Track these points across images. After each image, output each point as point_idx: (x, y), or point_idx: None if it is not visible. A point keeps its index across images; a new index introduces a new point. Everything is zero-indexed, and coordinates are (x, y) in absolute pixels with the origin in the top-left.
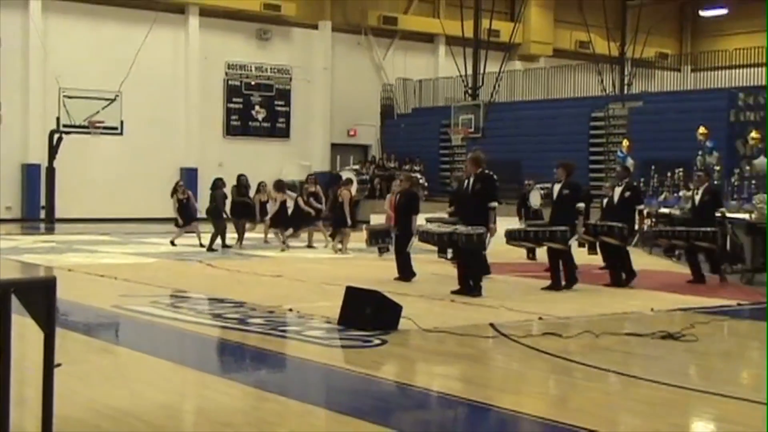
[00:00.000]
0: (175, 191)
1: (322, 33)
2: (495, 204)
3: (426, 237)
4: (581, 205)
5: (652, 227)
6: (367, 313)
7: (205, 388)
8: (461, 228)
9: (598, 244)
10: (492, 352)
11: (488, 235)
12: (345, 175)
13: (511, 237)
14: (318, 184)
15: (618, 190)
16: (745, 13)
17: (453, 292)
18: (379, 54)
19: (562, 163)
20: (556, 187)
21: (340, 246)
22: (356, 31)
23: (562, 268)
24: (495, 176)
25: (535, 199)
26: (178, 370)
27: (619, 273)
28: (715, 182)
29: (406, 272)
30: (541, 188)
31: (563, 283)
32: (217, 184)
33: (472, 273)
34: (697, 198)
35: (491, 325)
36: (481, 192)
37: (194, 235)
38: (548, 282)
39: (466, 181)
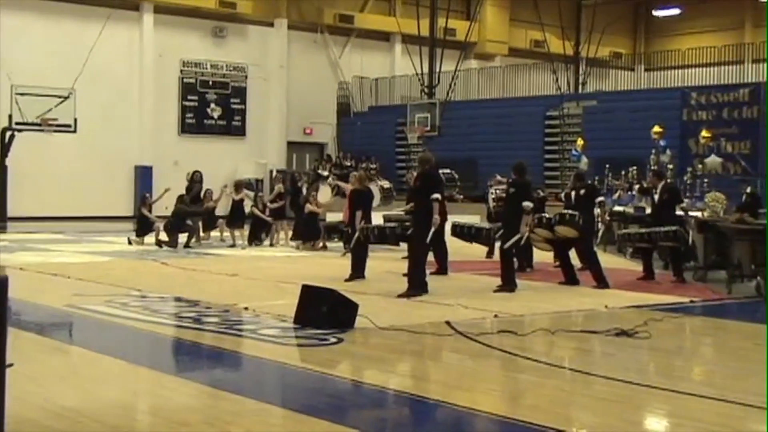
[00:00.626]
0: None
1: (278, 31)
2: (437, 196)
3: (373, 234)
4: (527, 204)
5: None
6: (323, 312)
7: (160, 387)
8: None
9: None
10: (448, 349)
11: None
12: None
13: (454, 232)
14: (284, 182)
15: (574, 193)
16: (698, 13)
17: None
18: (335, 52)
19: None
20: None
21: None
22: (312, 29)
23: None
24: (438, 173)
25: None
26: (132, 369)
27: (572, 271)
28: (668, 180)
29: (357, 269)
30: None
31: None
32: (195, 178)
33: (413, 264)
34: (656, 197)
35: (447, 323)
36: (421, 188)
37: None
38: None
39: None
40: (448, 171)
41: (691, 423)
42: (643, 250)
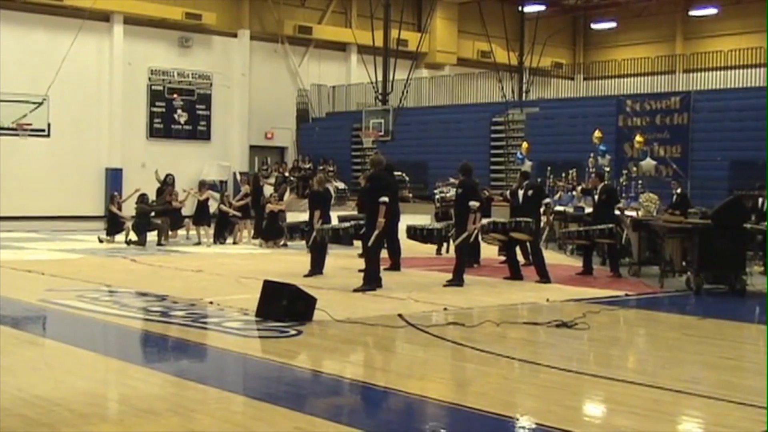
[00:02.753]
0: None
1: (241, 41)
2: (385, 199)
3: (328, 234)
4: (473, 203)
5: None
6: (283, 305)
7: (129, 377)
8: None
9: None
10: (400, 340)
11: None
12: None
13: (409, 234)
14: (249, 183)
15: (521, 192)
16: (633, 27)
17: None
18: (294, 61)
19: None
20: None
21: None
22: (273, 39)
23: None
24: (388, 175)
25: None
26: (102, 360)
27: (517, 267)
28: (606, 182)
29: (315, 266)
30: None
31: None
32: (168, 181)
33: (369, 262)
34: (596, 197)
35: (400, 315)
36: (371, 189)
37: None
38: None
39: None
40: (398, 173)
41: (626, 408)
42: (584, 247)
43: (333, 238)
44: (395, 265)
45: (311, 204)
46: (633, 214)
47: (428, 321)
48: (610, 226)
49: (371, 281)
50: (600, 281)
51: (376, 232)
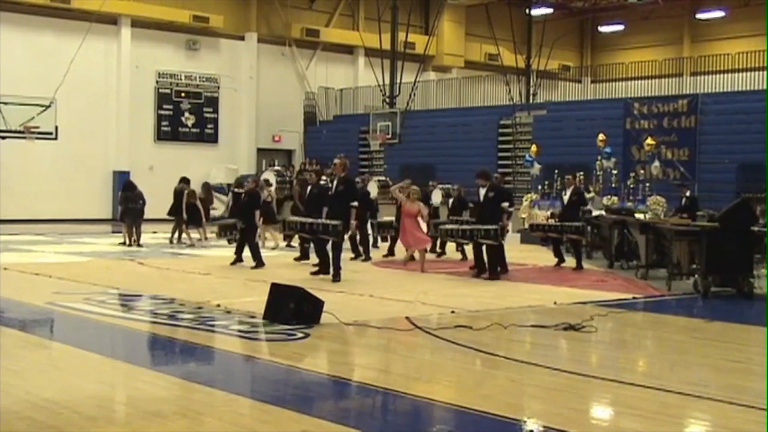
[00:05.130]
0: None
1: (248, 44)
2: (355, 204)
3: (291, 226)
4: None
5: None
6: (290, 308)
7: (136, 380)
8: (325, 220)
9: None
10: (408, 343)
11: (348, 229)
12: (264, 176)
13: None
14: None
15: (482, 192)
16: (640, 29)
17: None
18: (302, 64)
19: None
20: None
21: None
22: (280, 42)
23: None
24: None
25: (436, 198)
26: (109, 363)
27: (482, 262)
28: (612, 185)
29: (257, 259)
30: (442, 188)
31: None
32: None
33: (335, 258)
34: (566, 198)
35: (407, 318)
36: (343, 193)
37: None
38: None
39: (332, 183)
40: (382, 178)
41: (633, 411)
42: (554, 242)
43: (302, 231)
44: (365, 255)
45: (249, 204)
46: (640, 216)
47: (435, 324)
48: (578, 224)
49: (337, 274)
50: (608, 284)
51: (349, 233)
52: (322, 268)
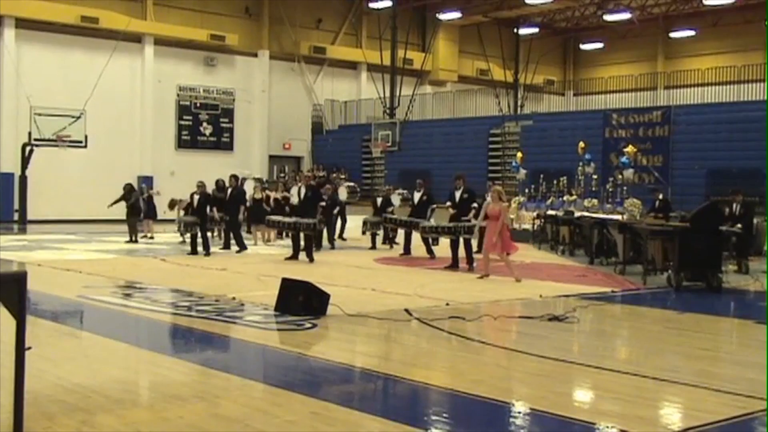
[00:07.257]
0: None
1: (261, 60)
2: (323, 204)
3: (274, 224)
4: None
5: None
6: (299, 301)
7: (157, 366)
8: (303, 220)
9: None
10: (406, 333)
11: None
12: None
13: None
14: (266, 191)
15: (417, 195)
16: (618, 47)
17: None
18: (310, 79)
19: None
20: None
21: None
22: (290, 59)
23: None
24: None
25: (395, 201)
26: (134, 351)
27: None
28: (593, 189)
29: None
30: (399, 193)
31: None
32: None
33: (308, 247)
34: (457, 195)
35: (406, 310)
36: (311, 198)
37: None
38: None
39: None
40: (351, 184)
41: (612, 394)
42: (452, 241)
43: (286, 228)
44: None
45: (203, 204)
46: (618, 217)
47: (432, 315)
48: (472, 224)
49: (311, 256)
50: (589, 279)
51: (323, 228)
52: (294, 255)
